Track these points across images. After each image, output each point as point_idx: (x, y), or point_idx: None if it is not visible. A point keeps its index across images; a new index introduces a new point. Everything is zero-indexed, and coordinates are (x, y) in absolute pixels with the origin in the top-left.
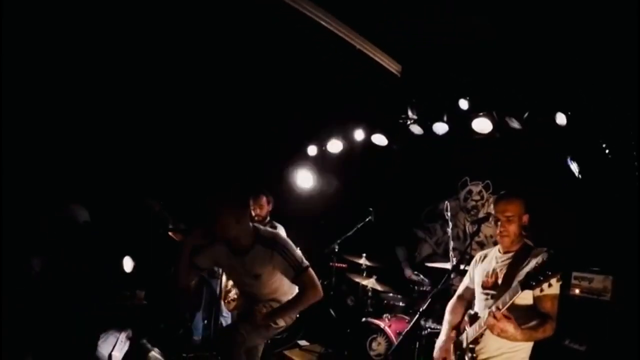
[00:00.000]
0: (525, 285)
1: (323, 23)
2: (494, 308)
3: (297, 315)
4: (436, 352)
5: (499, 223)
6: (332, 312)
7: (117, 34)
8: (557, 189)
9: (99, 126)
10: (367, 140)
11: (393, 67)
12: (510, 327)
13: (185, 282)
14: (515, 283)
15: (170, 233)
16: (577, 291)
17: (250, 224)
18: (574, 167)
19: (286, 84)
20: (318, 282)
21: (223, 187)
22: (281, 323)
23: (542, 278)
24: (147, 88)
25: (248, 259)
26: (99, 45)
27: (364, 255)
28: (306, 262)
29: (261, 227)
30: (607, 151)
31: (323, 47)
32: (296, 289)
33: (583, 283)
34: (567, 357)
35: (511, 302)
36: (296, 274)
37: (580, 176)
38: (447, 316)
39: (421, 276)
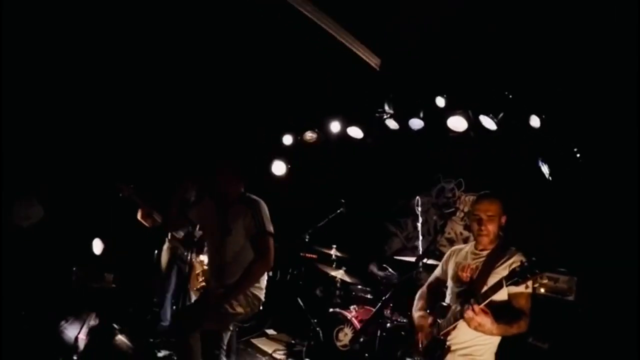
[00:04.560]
0: (510, 281)
1: (304, 12)
2: (472, 302)
3: (261, 307)
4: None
5: (481, 221)
6: (300, 302)
7: (85, 27)
8: (528, 190)
9: (71, 110)
10: (343, 132)
11: (372, 60)
12: (487, 322)
13: (174, 227)
14: (497, 279)
15: (140, 218)
16: (542, 290)
17: (242, 188)
18: (545, 168)
19: (264, 73)
20: (272, 251)
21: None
22: (239, 309)
23: (529, 275)
24: (121, 77)
25: (229, 213)
26: (72, 38)
27: (334, 246)
28: (271, 230)
29: (252, 195)
30: (577, 155)
31: (303, 38)
32: None
33: (549, 282)
34: (531, 354)
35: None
36: (257, 234)
37: (550, 178)
38: (416, 302)
39: (389, 270)
